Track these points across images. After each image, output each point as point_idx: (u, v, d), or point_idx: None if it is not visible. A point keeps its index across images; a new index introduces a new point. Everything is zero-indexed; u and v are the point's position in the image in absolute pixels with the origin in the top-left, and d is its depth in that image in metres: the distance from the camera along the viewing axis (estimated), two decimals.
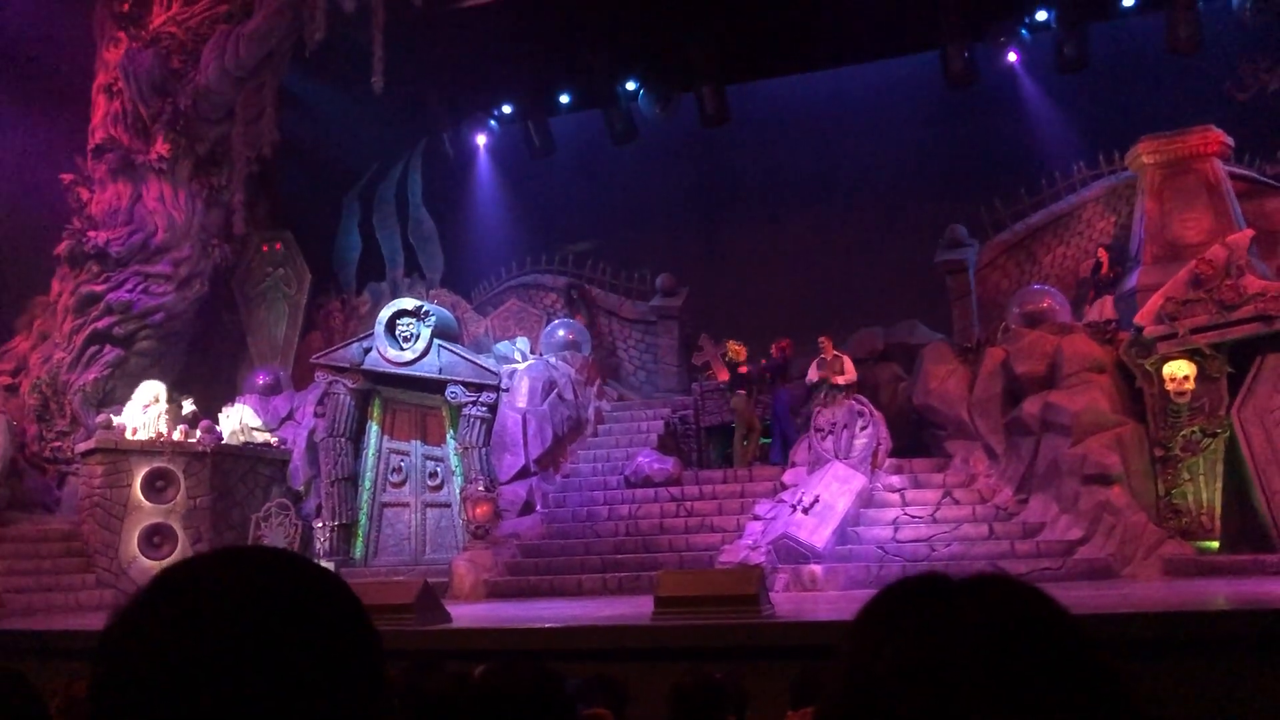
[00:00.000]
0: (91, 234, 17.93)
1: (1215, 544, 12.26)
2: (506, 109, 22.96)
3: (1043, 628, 0.85)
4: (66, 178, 18.45)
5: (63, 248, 18.00)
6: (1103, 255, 16.66)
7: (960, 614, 0.85)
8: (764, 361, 16.57)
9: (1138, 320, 13.34)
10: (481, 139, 23.64)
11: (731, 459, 16.33)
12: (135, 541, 15.50)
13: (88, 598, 14.83)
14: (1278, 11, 17.65)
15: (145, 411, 16.22)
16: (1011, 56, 20.36)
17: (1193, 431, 12.55)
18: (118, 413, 16.35)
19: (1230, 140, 15.80)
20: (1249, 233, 13.94)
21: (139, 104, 18.25)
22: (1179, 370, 12.60)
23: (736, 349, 16.57)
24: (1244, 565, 11.56)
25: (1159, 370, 12.79)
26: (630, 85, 21.82)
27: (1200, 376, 12.59)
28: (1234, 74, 17.92)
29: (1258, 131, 16.84)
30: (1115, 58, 19.54)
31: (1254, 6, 17.93)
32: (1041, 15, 19.77)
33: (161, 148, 18.19)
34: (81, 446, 16.14)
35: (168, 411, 16.46)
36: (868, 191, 20.83)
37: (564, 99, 22.50)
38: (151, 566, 15.27)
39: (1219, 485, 12.47)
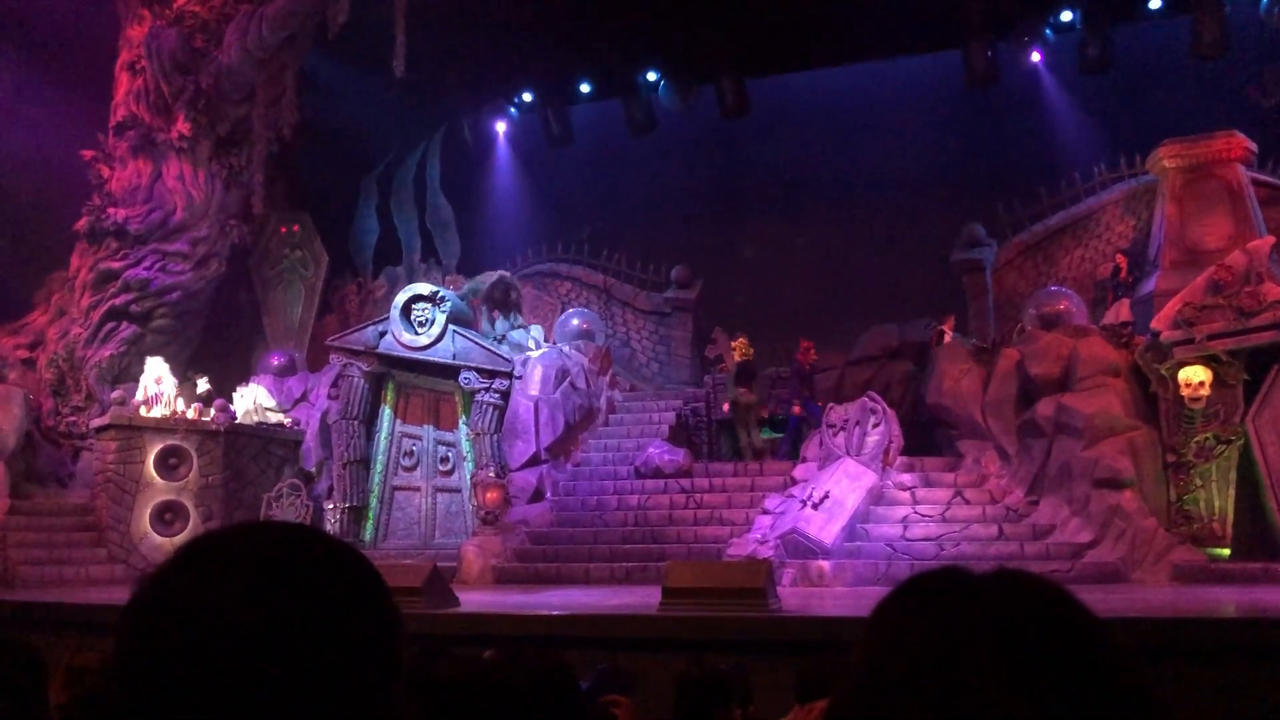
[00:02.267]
0: (111, 211, 18.03)
1: (1226, 551, 12.21)
2: (526, 97, 22.96)
3: (1062, 625, 0.85)
4: (87, 154, 18.53)
5: (82, 224, 18.10)
6: (1121, 260, 16.59)
7: (979, 609, 0.85)
8: (789, 372, 16.38)
9: (1155, 325, 13.28)
10: (501, 126, 23.67)
11: (742, 452, 16.33)
12: (147, 518, 15.60)
13: (99, 572, 14.93)
14: None
15: (158, 385, 16.29)
16: (1035, 56, 20.27)
17: (1206, 438, 12.48)
18: (131, 391, 16.43)
19: (1253, 146, 15.70)
20: (1270, 239, 13.86)
21: (161, 82, 18.30)
22: (1195, 376, 12.54)
23: (740, 345, 16.57)
24: (1255, 573, 11.51)
25: (1174, 375, 12.72)
26: (651, 76, 21.80)
27: (1216, 383, 12.52)
28: (1259, 79, 17.80)
29: None
30: (1139, 60, 19.42)
31: None
32: (1066, 15, 19.67)
33: (182, 126, 18.26)
34: (96, 422, 16.24)
35: (179, 390, 16.54)
36: (886, 188, 20.75)
37: (584, 88, 22.50)
38: (162, 543, 15.37)
39: (1231, 493, 12.41)
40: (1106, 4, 19.17)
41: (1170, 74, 18.99)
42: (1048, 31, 19.92)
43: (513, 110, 23.34)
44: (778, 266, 21.04)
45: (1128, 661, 0.85)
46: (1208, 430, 12.51)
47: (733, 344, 16.92)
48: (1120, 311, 15.59)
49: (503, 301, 17.58)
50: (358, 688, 0.96)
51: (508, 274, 18.46)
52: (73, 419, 17.44)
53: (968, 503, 13.62)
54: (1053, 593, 0.88)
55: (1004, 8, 19.37)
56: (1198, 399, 12.52)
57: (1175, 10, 19.02)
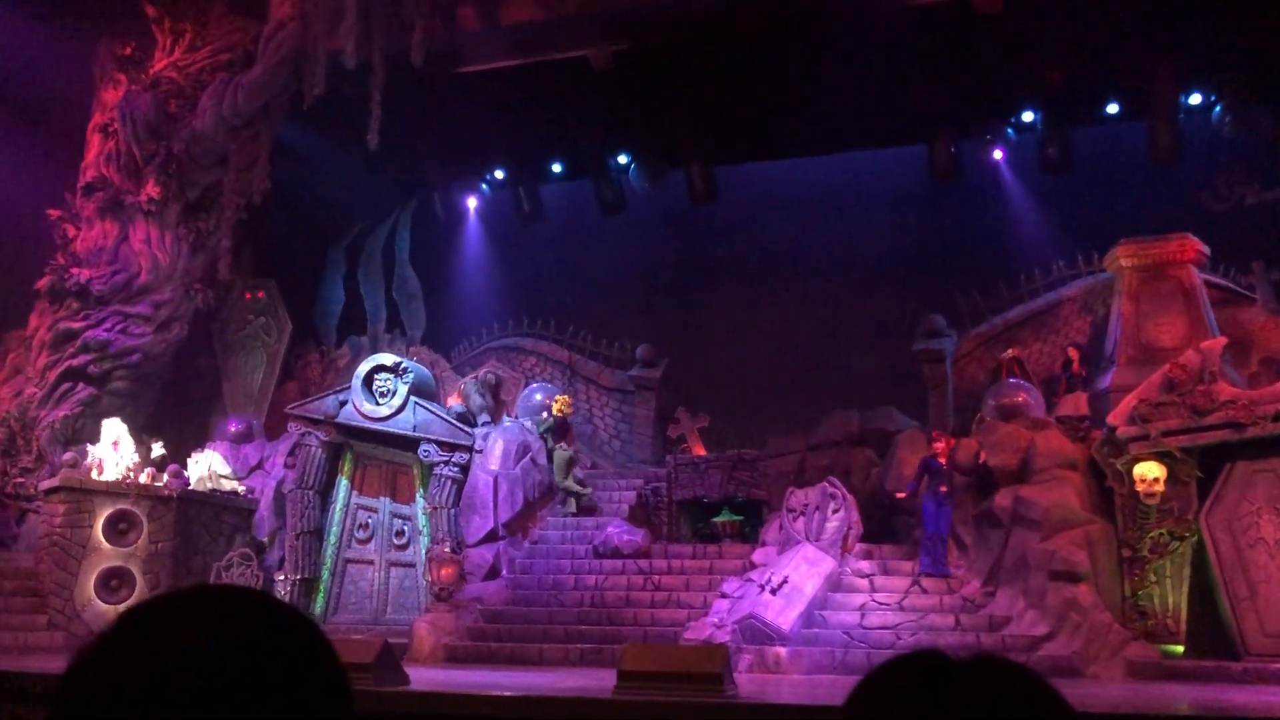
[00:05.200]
0: (74, 271, 17.90)
1: (1180, 648, 12.24)
2: (499, 174, 23.21)
3: (1040, 711, 0.86)
4: (54, 213, 18.45)
5: (44, 283, 17.95)
6: (1072, 353, 16.84)
7: (958, 694, 0.86)
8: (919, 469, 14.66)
9: (1111, 420, 13.45)
10: (472, 201, 23.86)
11: (703, 534, 16.25)
12: (92, 584, 15.19)
13: (37, 639, 14.47)
14: (1254, 127, 18.17)
15: (115, 450, 16.01)
16: (997, 154, 20.81)
17: (1161, 534, 12.59)
18: (83, 453, 16.12)
19: (1206, 249, 16.11)
20: (1222, 340, 14.16)
21: (133, 145, 18.34)
22: (1149, 472, 12.69)
23: (560, 401, 17.41)
24: (1208, 671, 11.54)
25: (1130, 471, 12.87)
26: (622, 159, 22.15)
27: (1170, 479, 12.67)
28: (1211, 185, 18.36)
29: (1233, 242, 17.20)
30: (1097, 161, 19.99)
31: (1232, 121, 18.44)
32: (1028, 116, 20.26)
33: (152, 190, 18.25)
34: (45, 484, 15.88)
35: (137, 453, 16.26)
36: (849, 276, 21.08)
37: (556, 168, 22.80)
38: (106, 611, 14.96)
39: (1185, 589, 12.48)
40: (1066, 107, 19.79)
41: (1127, 176, 19.55)
42: (1009, 131, 20.50)
43: (484, 186, 23.57)
44: (742, 349, 21.21)
45: None
46: (1162, 526, 12.62)
47: (554, 399, 17.66)
48: (1078, 403, 15.78)
49: (494, 390, 18.09)
50: None
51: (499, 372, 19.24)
52: (21, 480, 17.06)
53: (925, 592, 13.59)
54: (1031, 680, 0.88)
55: (967, 107, 19.93)
56: (1152, 495, 12.66)
57: (1132, 116, 19.66)
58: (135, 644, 0.94)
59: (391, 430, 15.94)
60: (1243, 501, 12.49)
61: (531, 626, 14.11)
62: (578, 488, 16.89)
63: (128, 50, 18.96)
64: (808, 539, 13.81)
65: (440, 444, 15.82)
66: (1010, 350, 16.49)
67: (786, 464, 16.74)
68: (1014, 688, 0.88)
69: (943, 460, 14.12)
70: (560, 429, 17.30)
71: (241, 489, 17.03)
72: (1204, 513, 12.58)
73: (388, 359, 16.50)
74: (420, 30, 17.41)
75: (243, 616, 0.98)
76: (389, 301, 22.45)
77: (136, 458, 16.10)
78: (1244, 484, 12.55)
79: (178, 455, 16.88)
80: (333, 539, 15.96)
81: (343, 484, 16.20)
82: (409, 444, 15.94)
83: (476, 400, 17.56)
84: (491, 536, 15.70)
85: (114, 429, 16.25)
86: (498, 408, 17.92)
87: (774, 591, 12.74)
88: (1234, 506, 12.52)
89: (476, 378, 18.37)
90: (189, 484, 16.23)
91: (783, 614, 12.54)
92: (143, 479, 15.92)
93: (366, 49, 17.56)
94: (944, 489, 13.96)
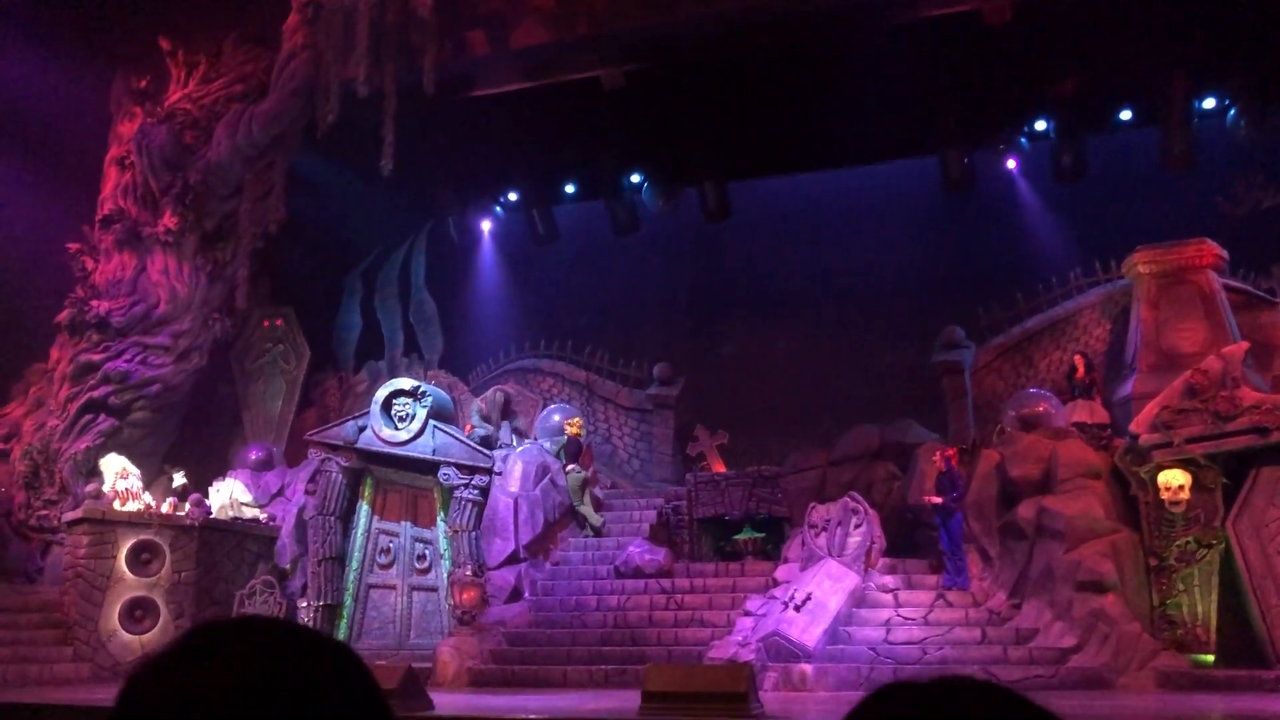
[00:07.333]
0: (94, 303, 18.04)
1: (1210, 658, 12.10)
2: (512, 196, 23.30)
3: None
4: (73, 247, 18.61)
5: (64, 316, 18.09)
6: (1078, 360, 16.71)
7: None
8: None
9: (1133, 428, 13.35)
10: (486, 225, 23.95)
11: (725, 552, 16.18)
12: (116, 615, 15.25)
13: (64, 670, 14.54)
14: (1269, 131, 18.06)
15: (125, 480, 16.05)
16: (1010, 164, 20.75)
17: (1187, 542, 12.47)
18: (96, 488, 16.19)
19: (1225, 253, 16.01)
20: (1244, 345, 14.05)
21: (150, 177, 18.50)
22: (1174, 479, 12.57)
23: (574, 424, 17.65)
24: (1240, 680, 11.41)
25: (1154, 479, 12.75)
26: (635, 178, 22.19)
27: (1195, 486, 12.55)
28: (1228, 189, 18.25)
29: (1251, 246, 17.09)
30: (1112, 169, 19.91)
31: (1247, 125, 18.34)
32: (1040, 125, 20.20)
33: (169, 221, 18.39)
34: (69, 516, 15.97)
35: (155, 483, 16.33)
36: (866, 290, 21.03)
37: (569, 189, 22.87)
38: (131, 641, 15.03)
39: (1214, 598, 12.34)
40: (1079, 115, 19.72)
41: (1142, 182, 19.45)
42: (1022, 140, 20.44)
43: (498, 209, 23.65)
44: (759, 365, 21.16)
45: None
46: (1188, 534, 12.50)
47: (568, 421, 17.83)
48: (1094, 411, 15.66)
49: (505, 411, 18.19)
50: None
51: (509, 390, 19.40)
52: (44, 513, 17.17)
53: (950, 605, 13.50)
54: (1011, 699, 0.87)
55: (979, 117, 19.89)
56: (1177, 503, 12.54)
57: (1145, 122, 19.58)
58: (177, 677, 0.94)
59: (411, 454, 15.96)
60: (1270, 507, 12.36)
61: (555, 648, 14.07)
62: (591, 513, 16.88)
63: (143, 83, 19.16)
64: (830, 555, 13.75)
65: (460, 467, 15.83)
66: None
67: (807, 480, 16.68)
68: (994, 709, 0.86)
69: (941, 470, 14.09)
70: (574, 450, 17.31)
71: (263, 516, 17.08)
72: (1230, 519, 12.46)
73: (406, 383, 16.55)
74: (431, 57, 17.53)
75: (282, 645, 0.97)
76: (406, 326, 22.52)
77: (140, 484, 16.11)
78: (1270, 489, 12.43)
79: (199, 484, 16.96)
80: (355, 564, 15.98)
81: (364, 509, 16.23)
82: (429, 468, 15.96)
83: (484, 423, 17.63)
84: (513, 559, 15.69)
85: (114, 463, 16.29)
86: (506, 423, 17.99)
87: (798, 608, 12.67)
88: (1261, 512, 12.39)
89: (485, 399, 18.42)
90: (211, 513, 16.29)
91: (807, 631, 12.46)
92: (164, 509, 15.99)
93: (378, 76, 17.68)
94: (940, 500, 13.89)
